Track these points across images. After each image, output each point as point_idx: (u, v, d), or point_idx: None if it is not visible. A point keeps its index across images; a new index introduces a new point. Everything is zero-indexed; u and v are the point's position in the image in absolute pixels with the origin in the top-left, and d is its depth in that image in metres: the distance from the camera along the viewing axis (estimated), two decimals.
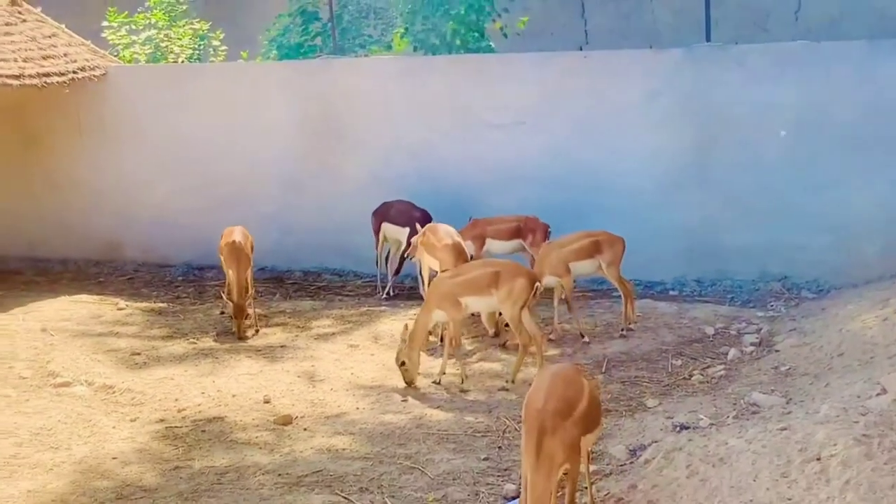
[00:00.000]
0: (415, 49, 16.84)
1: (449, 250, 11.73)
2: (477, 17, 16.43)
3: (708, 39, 14.03)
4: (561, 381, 6.65)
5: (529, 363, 10.53)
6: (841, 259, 13.02)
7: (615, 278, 11.73)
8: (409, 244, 12.87)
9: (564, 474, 6.48)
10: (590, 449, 7.07)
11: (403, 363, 10.14)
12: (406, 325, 10.27)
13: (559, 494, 6.66)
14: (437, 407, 9.82)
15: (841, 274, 12.96)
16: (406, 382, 10.23)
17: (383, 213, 13.79)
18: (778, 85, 13.17)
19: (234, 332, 12.27)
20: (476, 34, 16.61)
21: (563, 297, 11.64)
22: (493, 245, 12.75)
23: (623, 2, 19.35)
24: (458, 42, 16.36)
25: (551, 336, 11.63)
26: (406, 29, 17.00)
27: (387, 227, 13.70)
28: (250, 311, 12.52)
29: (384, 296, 13.80)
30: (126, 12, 19.09)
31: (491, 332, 11.83)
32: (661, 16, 18.91)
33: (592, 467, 8.11)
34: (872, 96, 12.84)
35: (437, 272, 11.89)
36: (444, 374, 10.55)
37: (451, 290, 10.30)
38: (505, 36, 17.16)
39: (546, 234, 12.83)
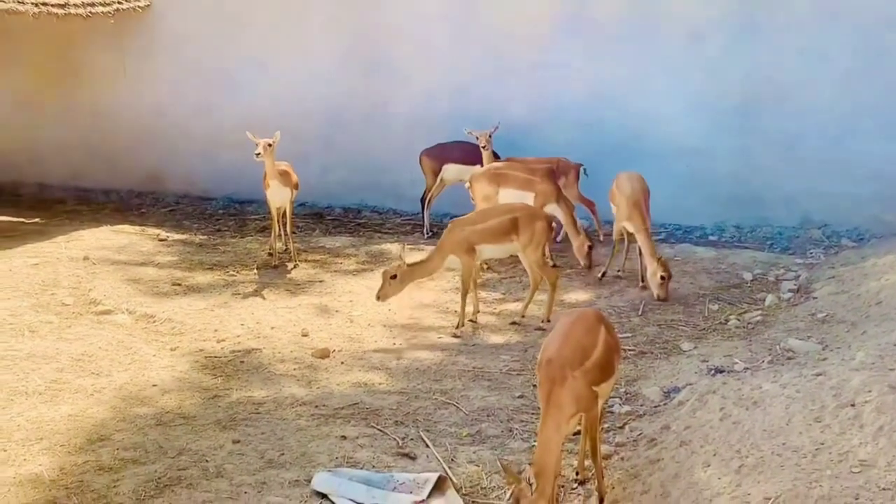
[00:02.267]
0: None
1: (551, 181, 12.05)
2: None
3: None
4: (578, 328, 6.59)
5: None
6: (882, 208, 12.94)
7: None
8: None
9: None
10: (606, 398, 7.04)
11: (395, 276, 9.85)
12: (404, 244, 10.22)
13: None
14: (473, 345, 9.90)
15: (881, 223, 12.89)
16: (378, 295, 9.93)
17: (444, 154, 13.85)
18: (826, 31, 13.04)
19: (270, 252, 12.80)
20: None
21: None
22: None
23: None
24: None
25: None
26: None
27: (450, 169, 13.77)
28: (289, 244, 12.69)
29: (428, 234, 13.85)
30: None
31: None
32: None
33: (626, 408, 8.18)
34: None
35: None
36: (479, 311, 10.61)
37: (469, 237, 10.25)
38: None
39: (578, 175, 12.88)
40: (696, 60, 13.57)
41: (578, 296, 11.39)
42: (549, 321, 10.25)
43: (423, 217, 13.99)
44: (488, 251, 10.49)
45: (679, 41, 13.63)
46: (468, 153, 13.36)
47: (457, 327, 10.27)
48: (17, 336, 9.66)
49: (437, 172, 13.81)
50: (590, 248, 12.08)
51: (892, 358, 7.28)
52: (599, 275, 11.90)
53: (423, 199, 13.96)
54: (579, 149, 13.40)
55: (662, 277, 10.90)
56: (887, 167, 12.89)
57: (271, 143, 11.86)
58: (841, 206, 13.17)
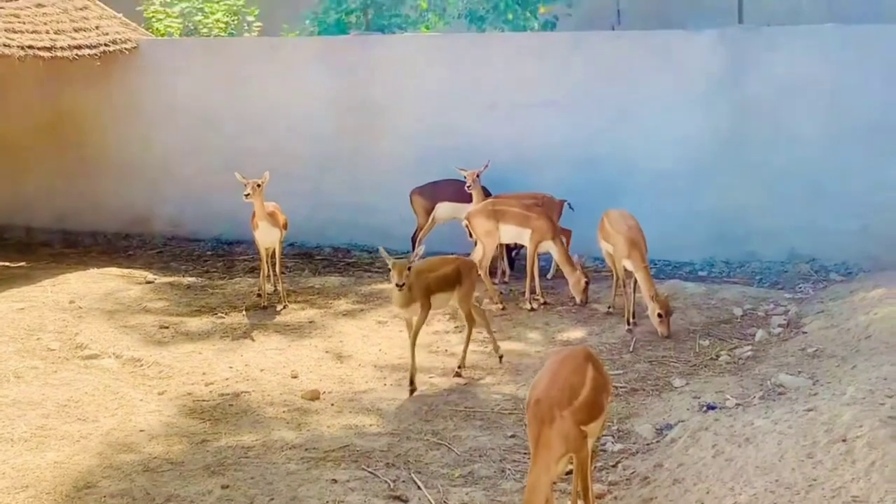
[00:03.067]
0: (468, 19, 17.01)
1: (547, 218, 12.21)
2: None
3: (740, 21, 13.97)
4: (567, 367, 6.54)
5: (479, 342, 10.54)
6: (870, 242, 12.99)
7: None
8: None
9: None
10: (598, 436, 6.98)
11: (409, 267, 9.34)
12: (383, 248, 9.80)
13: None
14: (465, 384, 9.83)
15: (870, 257, 12.93)
16: (400, 284, 9.26)
17: (436, 193, 13.88)
18: (809, 68, 13.15)
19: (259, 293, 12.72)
20: (528, 12, 16.78)
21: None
22: None
23: None
24: (509, 17, 16.44)
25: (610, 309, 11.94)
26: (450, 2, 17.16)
27: (444, 207, 13.78)
28: (279, 286, 12.63)
29: None
30: None
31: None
32: None
33: (618, 446, 8.14)
34: None
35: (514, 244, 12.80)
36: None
37: (430, 285, 9.82)
38: (556, 18, 17.33)
39: (561, 211, 12.94)
40: (681, 97, 13.61)
41: (569, 333, 11.35)
42: (463, 367, 10.15)
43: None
44: (439, 300, 10.09)
45: (665, 79, 13.68)
46: (460, 191, 13.34)
47: (411, 383, 9.74)
48: (2, 382, 9.56)
49: (429, 211, 13.81)
50: (587, 283, 12.08)
51: (883, 392, 7.26)
52: (606, 309, 12.02)
53: (413, 238, 13.93)
54: (567, 185, 13.45)
55: (660, 315, 10.87)
56: (873, 202, 12.94)
57: (260, 183, 11.86)
58: (828, 241, 13.21)
